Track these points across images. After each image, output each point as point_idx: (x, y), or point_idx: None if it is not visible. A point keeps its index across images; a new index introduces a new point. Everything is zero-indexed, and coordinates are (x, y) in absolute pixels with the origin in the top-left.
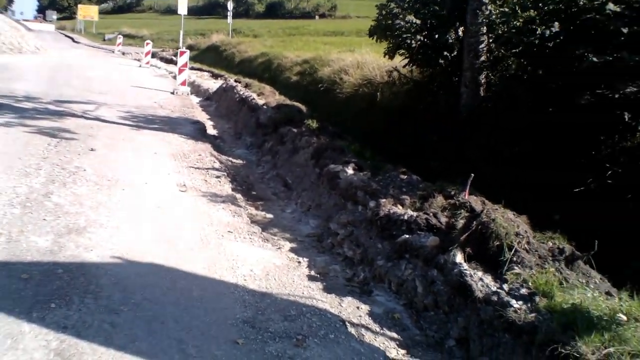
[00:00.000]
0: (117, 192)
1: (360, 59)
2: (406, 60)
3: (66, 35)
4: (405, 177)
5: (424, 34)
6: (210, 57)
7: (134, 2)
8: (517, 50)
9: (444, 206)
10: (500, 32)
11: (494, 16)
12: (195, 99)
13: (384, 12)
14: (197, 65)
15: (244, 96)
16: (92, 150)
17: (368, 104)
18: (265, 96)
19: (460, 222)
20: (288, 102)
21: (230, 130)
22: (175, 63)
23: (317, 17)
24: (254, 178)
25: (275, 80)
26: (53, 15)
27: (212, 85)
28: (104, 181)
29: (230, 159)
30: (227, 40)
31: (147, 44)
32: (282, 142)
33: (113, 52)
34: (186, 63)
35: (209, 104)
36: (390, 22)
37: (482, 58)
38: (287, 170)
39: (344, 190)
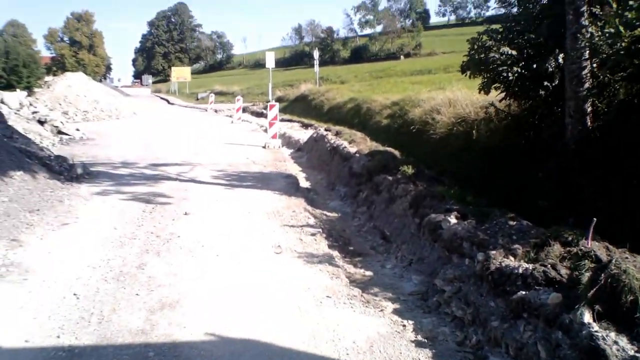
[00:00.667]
0: (211, 259)
1: (452, 96)
2: (502, 94)
3: (161, 98)
4: (514, 223)
5: (520, 64)
6: (299, 107)
7: (224, 60)
8: (625, 74)
9: (562, 255)
10: (605, 55)
11: (596, 38)
12: (287, 151)
13: (476, 46)
14: (287, 116)
15: (334, 145)
16: (186, 214)
17: (463, 143)
18: (356, 143)
19: (585, 275)
20: (380, 148)
21: (323, 181)
22: (265, 116)
23: (402, 57)
24: (350, 231)
25: (365, 125)
26: (149, 79)
27: (303, 135)
28: (198, 248)
29: (324, 212)
30: (315, 89)
31: (238, 100)
32: (377, 192)
33: (206, 110)
34: (276, 116)
35: (300, 155)
36: (483, 55)
37: (587, 85)
38: (384, 222)
39: (447, 241)
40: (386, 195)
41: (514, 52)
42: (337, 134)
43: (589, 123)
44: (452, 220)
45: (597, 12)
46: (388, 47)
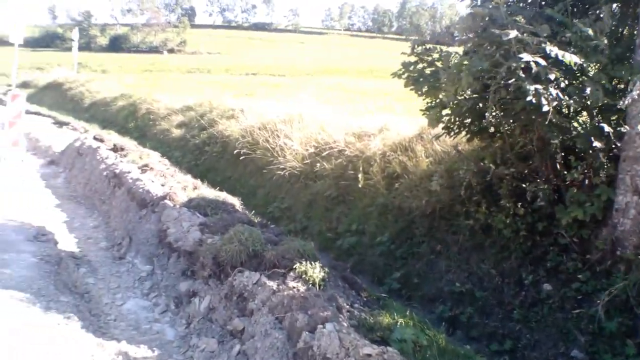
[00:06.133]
0: None
1: (300, 112)
2: (467, 135)
3: None
4: None
5: (563, 81)
6: (51, 96)
7: None
8: None
9: None
10: None
11: None
12: (34, 162)
13: (478, 28)
14: (34, 107)
15: (116, 171)
16: None
17: (337, 191)
18: (157, 174)
19: None
20: (210, 192)
21: (99, 235)
22: (4, 105)
23: (165, 52)
24: None
25: (145, 132)
26: None
27: (58, 139)
28: None
29: (123, 350)
30: (72, 77)
31: None
32: (241, 308)
33: None
34: (20, 113)
35: (54, 173)
36: (502, 51)
37: None
38: None
39: None
40: (278, 334)
41: (576, 58)
42: (118, 149)
43: None
44: None
45: None
46: (151, 40)
